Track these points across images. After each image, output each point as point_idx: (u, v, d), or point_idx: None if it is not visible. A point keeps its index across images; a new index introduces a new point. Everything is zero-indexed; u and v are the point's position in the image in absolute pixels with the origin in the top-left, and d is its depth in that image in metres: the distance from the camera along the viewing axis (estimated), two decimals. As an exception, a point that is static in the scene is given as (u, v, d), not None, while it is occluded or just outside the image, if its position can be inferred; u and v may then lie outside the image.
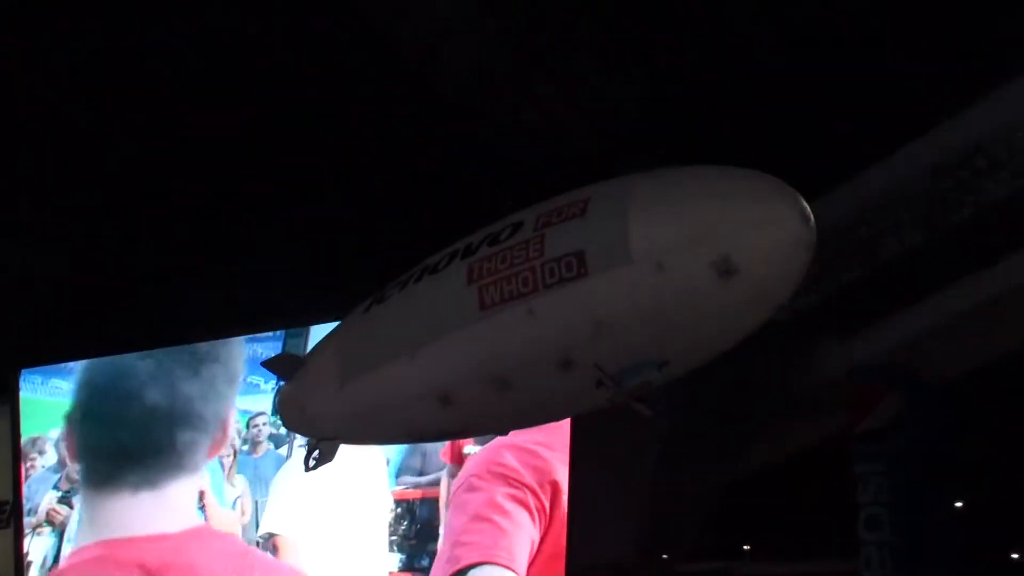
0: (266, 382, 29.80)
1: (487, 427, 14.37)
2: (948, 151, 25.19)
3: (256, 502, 29.71)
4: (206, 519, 30.05)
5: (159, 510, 30.43)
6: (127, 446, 31.26)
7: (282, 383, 14.99)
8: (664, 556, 29.10)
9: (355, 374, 13.19)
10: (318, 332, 28.99)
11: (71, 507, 31.81)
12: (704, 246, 10.24)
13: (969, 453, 37.71)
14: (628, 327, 10.71)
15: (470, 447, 27.92)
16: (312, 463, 14.36)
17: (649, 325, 10.73)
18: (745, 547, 37.75)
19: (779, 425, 30.35)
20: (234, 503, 29.92)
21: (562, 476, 27.74)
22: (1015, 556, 40.83)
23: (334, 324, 14.94)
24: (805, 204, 10.52)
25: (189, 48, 26.18)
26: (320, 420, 14.11)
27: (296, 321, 31.12)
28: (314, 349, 14.72)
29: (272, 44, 30.87)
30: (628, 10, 30.87)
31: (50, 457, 32.45)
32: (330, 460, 14.37)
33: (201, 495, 30.26)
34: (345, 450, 15.14)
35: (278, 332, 31.49)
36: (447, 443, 26.79)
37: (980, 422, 37.00)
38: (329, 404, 13.82)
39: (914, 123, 27.07)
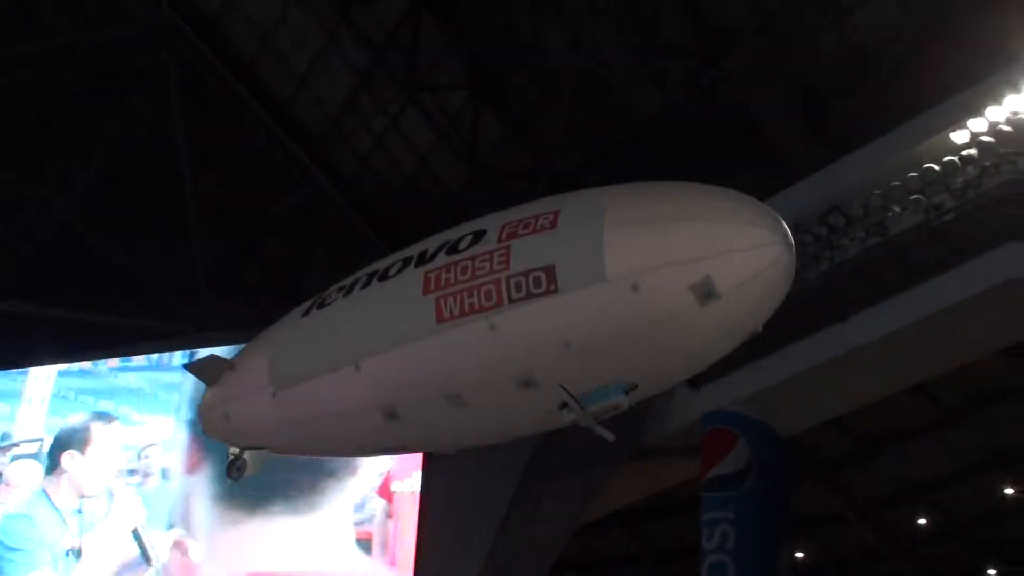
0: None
1: (434, 445, 13.47)
2: (807, 207, 25.99)
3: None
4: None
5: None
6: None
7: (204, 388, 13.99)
8: (509, 595, 29.00)
9: (291, 382, 12.23)
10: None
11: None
12: (684, 268, 9.76)
13: (811, 505, 38.78)
14: (598, 348, 10.23)
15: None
16: (236, 474, 13.34)
17: (620, 347, 10.10)
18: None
19: (633, 469, 30.58)
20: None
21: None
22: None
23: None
24: (787, 230, 10.12)
25: None
26: (247, 429, 13.11)
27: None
28: (243, 353, 13.50)
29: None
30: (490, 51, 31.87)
31: None
32: (256, 471, 13.42)
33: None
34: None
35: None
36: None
37: (822, 475, 38.08)
38: (259, 412, 12.74)
39: (777, 179, 27.85)
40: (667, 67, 28.48)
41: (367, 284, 11.85)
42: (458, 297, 10.58)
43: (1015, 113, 23.66)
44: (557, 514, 29.00)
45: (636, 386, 10.39)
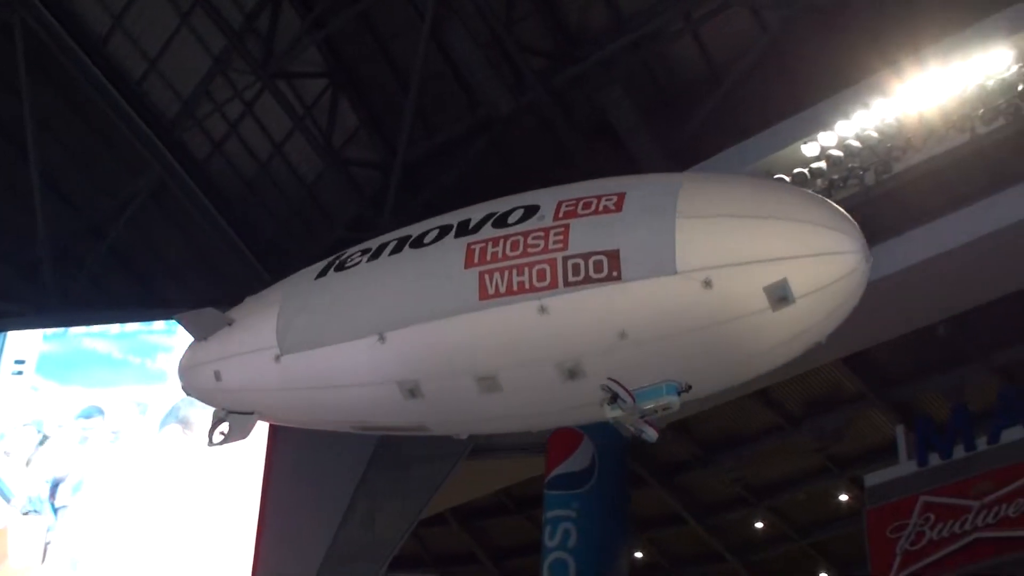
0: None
1: (450, 429, 12.16)
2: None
3: None
4: None
5: None
6: None
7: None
8: (348, 589, 28.77)
9: (301, 346, 11.28)
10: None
11: None
12: (761, 268, 9.22)
13: (651, 506, 39.28)
14: (656, 343, 9.59)
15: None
16: (218, 437, 12.35)
17: (679, 345, 9.51)
18: (430, 585, 38.14)
19: (475, 466, 30.57)
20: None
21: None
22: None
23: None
24: (864, 238, 9.62)
25: None
26: (240, 391, 12.10)
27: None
28: (243, 309, 12.47)
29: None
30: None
31: None
32: (242, 437, 12.37)
33: None
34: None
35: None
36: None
37: (663, 477, 38.59)
38: (257, 374, 11.75)
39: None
40: (521, 66, 28.46)
41: (398, 249, 10.96)
42: (506, 273, 9.84)
43: (864, 128, 24.22)
44: (398, 509, 28.83)
45: (690, 387, 9.80)
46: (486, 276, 9.93)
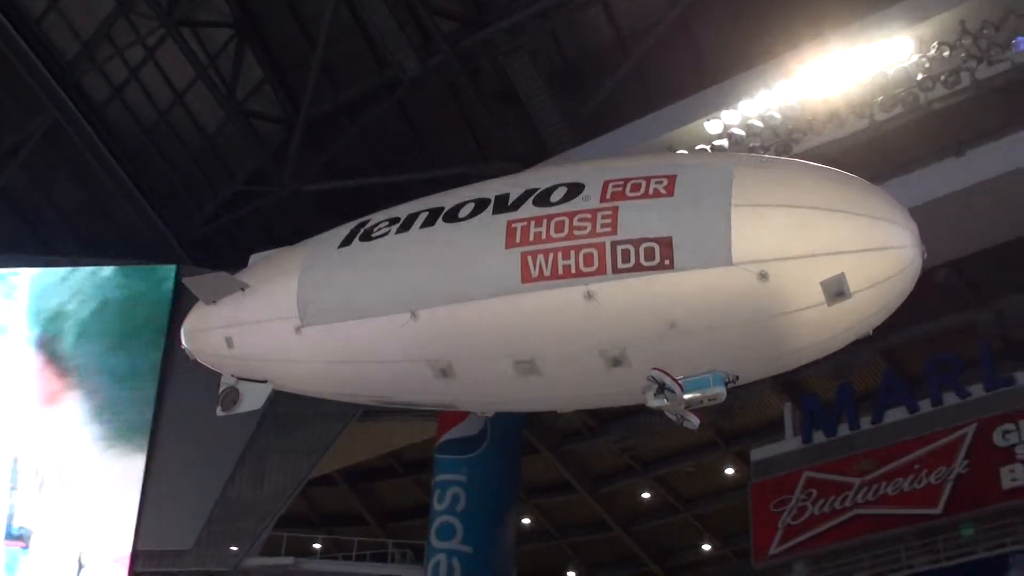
0: None
1: (479, 407, 11.85)
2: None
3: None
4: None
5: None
6: None
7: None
8: (233, 548, 28.58)
9: (324, 318, 10.79)
10: None
11: None
12: (819, 262, 8.98)
13: (540, 473, 39.50)
14: (706, 334, 9.33)
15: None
16: (229, 406, 11.86)
17: (729, 336, 9.26)
18: (316, 545, 37.81)
19: (365, 428, 30.49)
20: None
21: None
22: (571, 575, 42.90)
23: None
24: (918, 232, 9.40)
25: None
26: (253, 360, 11.60)
27: None
28: (258, 275, 11.83)
29: None
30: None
31: None
32: (256, 407, 11.87)
33: None
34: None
35: None
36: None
37: (554, 445, 38.81)
38: (274, 344, 11.26)
39: (533, 151, 28.12)
40: (430, 28, 28.27)
41: (430, 222, 10.38)
42: (550, 256, 9.41)
43: (767, 109, 24.46)
44: (286, 468, 28.69)
45: (737, 378, 9.62)
46: (529, 258, 9.53)
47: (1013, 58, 22.48)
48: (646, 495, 40.55)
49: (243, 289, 11.59)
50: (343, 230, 11.19)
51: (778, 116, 24.41)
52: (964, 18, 22.64)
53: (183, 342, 12.27)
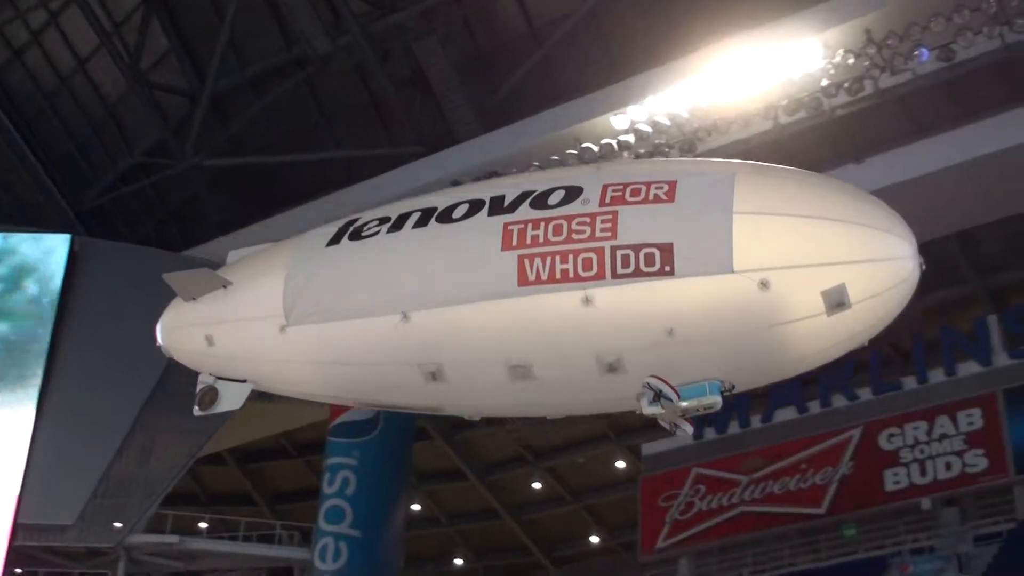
0: None
1: (467, 412, 11.42)
2: (468, 169, 26.22)
3: None
4: None
5: None
6: None
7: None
8: (117, 525, 28.13)
9: (311, 318, 10.49)
10: None
11: None
12: (820, 272, 8.92)
13: (432, 460, 39.50)
14: (705, 342, 9.19)
15: None
16: (207, 406, 11.47)
17: (728, 344, 9.17)
18: (202, 524, 37.42)
19: (257, 407, 30.18)
20: None
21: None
22: (458, 562, 42.95)
23: None
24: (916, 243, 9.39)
25: None
26: (235, 359, 11.25)
27: None
28: (241, 271, 11.49)
29: None
30: None
31: None
32: (235, 407, 11.47)
33: None
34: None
35: None
36: None
37: (447, 432, 38.82)
38: (258, 343, 10.96)
39: (441, 136, 28.01)
40: (341, 8, 28.05)
41: (423, 222, 10.15)
42: (548, 259, 9.27)
43: (673, 107, 24.60)
44: (175, 446, 28.28)
45: (733, 387, 9.44)
46: (526, 261, 9.37)
47: (915, 68, 22.83)
48: (537, 485, 40.75)
49: (225, 287, 11.26)
50: (330, 228, 10.89)
51: (684, 114, 24.56)
52: (870, 27, 22.94)
53: (158, 339, 11.87)
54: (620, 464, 38.91)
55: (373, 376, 10.55)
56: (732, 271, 8.89)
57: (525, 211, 9.60)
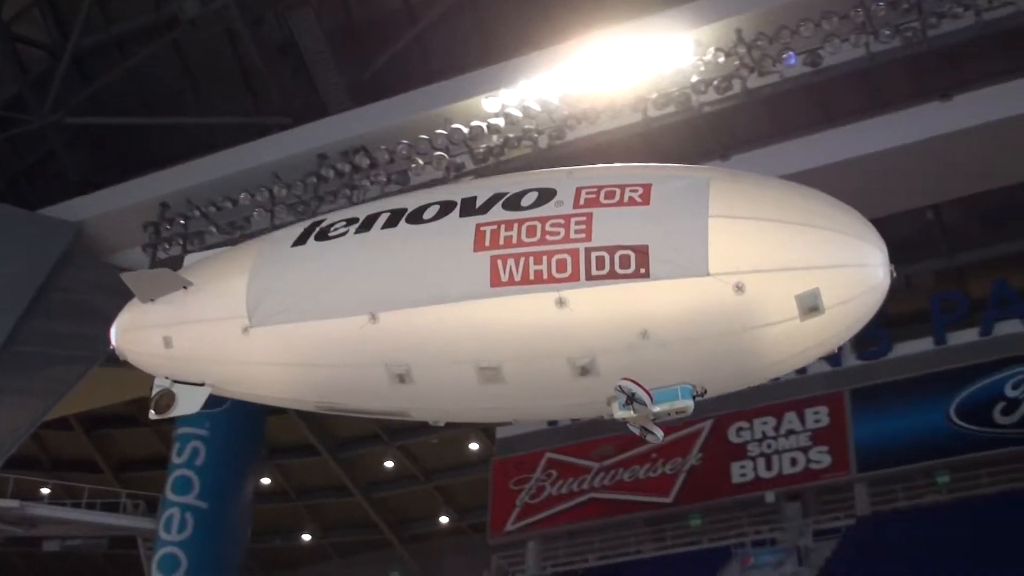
0: None
1: (434, 416, 11.28)
2: (336, 143, 26.10)
3: None
4: None
5: None
6: None
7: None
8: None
9: (276, 319, 10.20)
10: None
11: None
12: (794, 276, 8.88)
13: (285, 434, 39.21)
14: (679, 345, 9.06)
15: None
16: (164, 411, 11.09)
17: (702, 347, 9.12)
18: (44, 490, 36.73)
19: (106, 373, 29.61)
20: None
21: None
22: (306, 537, 42.74)
23: None
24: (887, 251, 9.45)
25: None
26: (193, 361, 10.92)
27: None
28: (202, 271, 11.18)
29: None
30: None
31: None
32: (192, 410, 11.19)
33: None
34: None
35: None
36: None
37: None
38: (219, 345, 10.66)
39: (310, 108, 27.73)
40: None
41: (392, 223, 9.94)
42: (521, 261, 9.11)
43: (544, 93, 24.68)
44: (19, 408, 27.61)
45: (705, 392, 9.37)
46: (499, 261, 9.19)
47: (783, 71, 23.23)
48: (389, 463, 40.74)
49: (186, 287, 10.88)
50: (296, 229, 10.58)
51: (555, 101, 24.66)
52: (741, 27, 23.29)
53: (112, 340, 11.44)
54: (473, 446, 39.10)
55: (338, 378, 10.32)
56: (707, 274, 8.85)
57: (498, 212, 9.44)
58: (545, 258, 9.07)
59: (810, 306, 8.86)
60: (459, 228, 9.49)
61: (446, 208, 9.76)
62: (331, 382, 10.37)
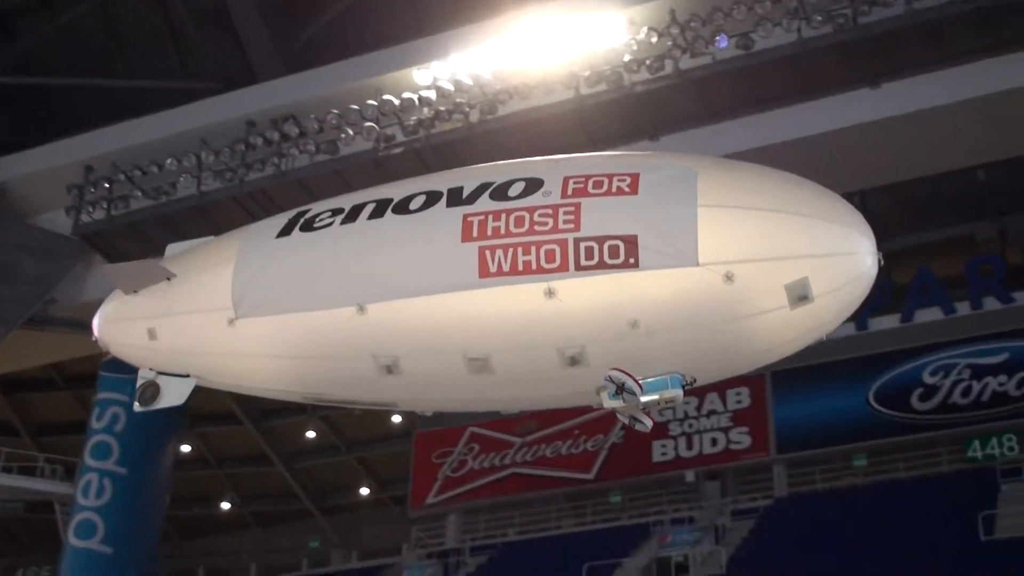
0: None
1: (422, 407, 11.37)
2: (265, 110, 25.90)
3: None
4: None
5: None
6: None
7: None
8: None
9: (262, 310, 10.14)
10: None
11: None
12: (784, 266, 8.90)
13: (206, 403, 38.90)
14: (668, 335, 9.04)
15: None
16: (148, 402, 11.05)
17: (691, 337, 9.13)
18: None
19: (27, 336, 29.27)
20: None
21: None
22: (225, 505, 42.56)
23: None
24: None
25: None
26: (178, 353, 10.84)
27: None
28: (186, 263, 11.08)
29: None
30: None
31: None
32: (178, 402, 11.13)
33: None
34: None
35: None
36: None
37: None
38: (204, 336, 10.58)
39: (239, 74, 27.46)
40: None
41: (378, 214, 9.87)
42: (510, 251, 9.10)
43: (477, 67, 24.62)
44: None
45: (695, 381, 9.34)
46: (487, 252, 9.18)
47: (715, 53, 23.36)
48: (311, 433, 40.60)
49: (169, 279, 10.81)
50: (280, 219, 10.51)
51: (487, 75, 24.61)
52: (675, 8, 23.37)
53: (95, 332, 11.35)
54: (396, 418, 39.00)
55: (326, 370, 10.27)
56: (697, 264, 8.86)
57: (485, 202, 9.41)
58: (534, 248, 9.07)
59: (799, 295, 8.92)
60: (446, 218, 9.44)
61: (432, 198, 9.70)
62: (318, 373, 10.31)
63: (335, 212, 10.13)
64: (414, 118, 24.92)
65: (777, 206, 9.15)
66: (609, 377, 8.99)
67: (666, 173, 9.37)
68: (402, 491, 36.91)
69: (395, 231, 9.69)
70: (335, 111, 25.03)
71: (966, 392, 29.82)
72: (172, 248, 11.42)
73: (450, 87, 24.74)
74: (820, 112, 23.44)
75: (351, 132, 25.15)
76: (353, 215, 10.00)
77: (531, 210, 9.18)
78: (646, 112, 24.33)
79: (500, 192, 9.44)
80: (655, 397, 9.13)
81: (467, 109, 24.65)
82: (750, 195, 9.23)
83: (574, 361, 9.28)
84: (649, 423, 9.37)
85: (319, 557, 39.82)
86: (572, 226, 9.03)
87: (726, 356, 9.53)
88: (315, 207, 10.29)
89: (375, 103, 24.85)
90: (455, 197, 9.60)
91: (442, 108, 24.81)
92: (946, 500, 27.59)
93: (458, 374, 9.65)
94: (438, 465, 34.42)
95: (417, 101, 24.85)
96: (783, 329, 9.24)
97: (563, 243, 9.00)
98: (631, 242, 8.89)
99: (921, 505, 27.50)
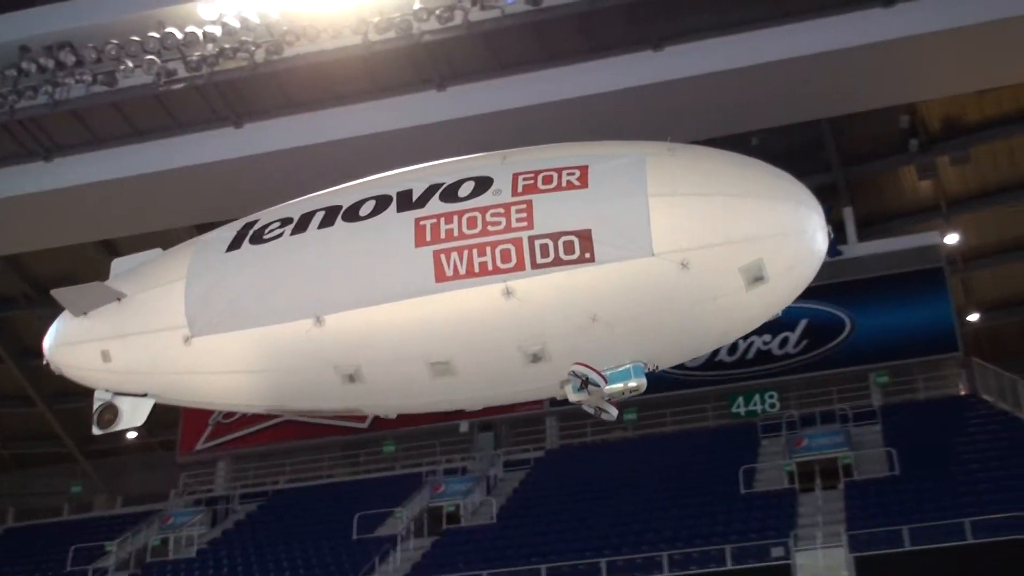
0: None
1: (386, 411, 10.98)
2: (40, 35, 24.86)
3: None
4: None
5: None
6: None
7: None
8: None
9: (217, 327, 9.85)
10: None
11: None
12: (737, 249, 8.83)
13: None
14: (629, 325, 8.96)
15: None
16: (107, 425, 10.78)
17: (651, 325, 9.14)
18: None
19: None
20: None
21: None
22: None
23: None
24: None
25: None
26: (134, 373, 10.45)
27: None
28: (136, 282, 10.68)
29: None
30: None
31: None
32: (137, 423, 10.88)
33: None
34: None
35: None
36: None
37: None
38: (160, 355, 10.21)
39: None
40: None
41: (328, 222, 9.61)
42: (465, 253, 8.96)
43: (264, 5, 24.10)
44: None
45: (657, 367, 9.34)
46: (442, 256, 9.04)
47: (504, 8, 23.43)
48: (71, 373, 39.50)
49: (120, 299, 10.52)
50: (228, 232, 10.22)
51: (275, 15, 24.12)
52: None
53: (46, 357, 11.01)
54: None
55: (287, 382, 10.11)
56: (652, 254, 8.84)
57: (436, 205, 9.29)
58: (489, 249, 9.01)
59: (755, 276, 8.98)
60: (398, 224, 9.33)
61: (382, 203, 9.58)
62: (280, 387, 10.21)
63: (284, 222, 9.94)
64: (197, 54, 24.29)
65: (727, 189, 9.21)
66: (572, 372, 9.09)
67: (615, 164, 9.33)
68: (171, 436, 36.24)
69: (347, 240, 9.56)
70: (114, 41, 24.19)
71: (732, 350, 30.88)
72: (118, 264, 11.19)
73: (236, 24, 24.16)
74: (605, 71, 23.77)
75: (131, 64, 24.30)
76: (303, 224, 9.82)
77: (483, 210, 9.12)
78: (434, 62, 24.29)
79: (450, 193, 9.34)
80: (619, 387, 9.21)
81: (252, 48, 24.15)
82: (699, 180, 9.27)
83: (536, 358, 9.30)
84: (615, 412, 9.37)
85: (82, 502, 38.80)
86: (525, 224, 9.01)
87: (687, 341, 9.64)
88: (263, 216, 10.11)
89: (157, 36, 24.11)
90: (405, 201, 9.49)
91: (227, 45, 24.24)
92: (710, 454, 28.62)
93: (421, 378, 9.62)
94: (208, 411, 33.88)
95: (201, 36, 24.22)
96: (740, 310, 9.34)
97: (518, 242, 8.99)
98: (585, 237, 8.89)
99: (686, 458, 28.43)
